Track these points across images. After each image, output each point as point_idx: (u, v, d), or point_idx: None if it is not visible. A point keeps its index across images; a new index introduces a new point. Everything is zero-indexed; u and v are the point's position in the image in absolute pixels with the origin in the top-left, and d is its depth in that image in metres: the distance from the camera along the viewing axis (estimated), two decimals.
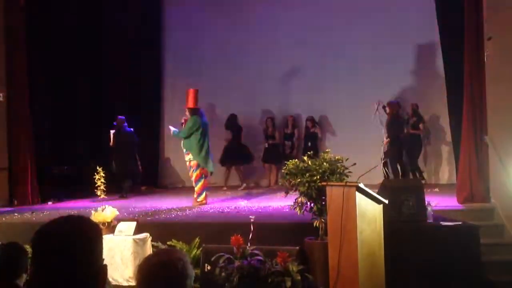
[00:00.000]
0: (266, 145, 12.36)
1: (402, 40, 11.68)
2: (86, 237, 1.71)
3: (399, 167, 10.48)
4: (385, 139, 10.47)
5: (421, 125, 10.95)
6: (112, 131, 10.69)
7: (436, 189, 10.01)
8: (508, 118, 7.49)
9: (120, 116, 10.83)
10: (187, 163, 9.16)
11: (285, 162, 6.72)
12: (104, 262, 1.80)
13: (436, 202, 7.68)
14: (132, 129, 10.85)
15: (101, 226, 6.80)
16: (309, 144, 11.79)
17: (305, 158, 6.43)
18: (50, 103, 11.06)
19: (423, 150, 11.26)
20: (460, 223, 6.43)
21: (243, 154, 12.24)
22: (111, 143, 10.71)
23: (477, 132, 8.12)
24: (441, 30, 10.38)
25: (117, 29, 12.26)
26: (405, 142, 10.80)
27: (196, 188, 9.01)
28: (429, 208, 6.36)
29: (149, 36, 13.11)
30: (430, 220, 6.31)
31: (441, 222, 6.37)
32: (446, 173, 11.38)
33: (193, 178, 9.08)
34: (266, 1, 12.79)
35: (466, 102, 8.24)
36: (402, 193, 6.29)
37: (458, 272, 5.79)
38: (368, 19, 11.98)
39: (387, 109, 10.59)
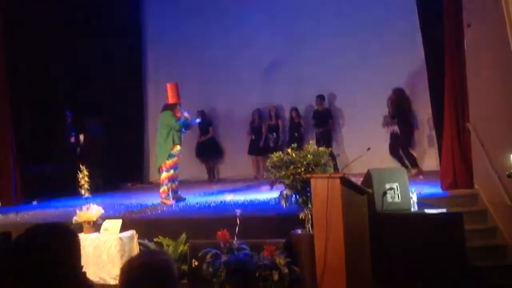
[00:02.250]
0: (253, 137, 12.37)
1: (383, 29, 11.72)
2: (61, 245, 1.70)
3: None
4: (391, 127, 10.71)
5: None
6: (81, 136, 10.92)
7: (420, 177, 10.09)
8: (489, 104, 7.56)
9: (87, 117, 11.08)
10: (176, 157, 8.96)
11: (270, 155, 6.73)
12: (85, 265, 1.79)
13: (420, 189, 7.74)
14: (100, 128, 11.36)
15: (86, 225, 6.80)
16: (296, 134, 11.84)
17: (289, 150, 6.43)
18: (31, 102, 10.92)
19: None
20: (444, 210, 6.49)
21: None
22: (80, 143, 11.19)
23: (459, 119, 8.17)
24: (422, 18, 10.42)
25: (97, 25, 12.10)
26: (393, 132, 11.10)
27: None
28: (413, 196, 6.40)
29: (130, 34, 13.00)
30: (414, 208, 6.36)
31: (426, 210, 6.42)
32: (429, 160, 11.45)
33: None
34: None
35: (448, 90, 8.29)
36: (386, 182, 6.33)
37: (443, 259, 5.85)
38: (349, 8, 12.01)
39: (392, 96, 10.84)
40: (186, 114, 8.93)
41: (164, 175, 8.69)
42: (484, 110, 7.72)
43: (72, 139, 11.16)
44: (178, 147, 8.68)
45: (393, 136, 11.10)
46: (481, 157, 7.72)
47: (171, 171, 8.69)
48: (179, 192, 9.03)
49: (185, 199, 8.96)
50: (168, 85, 8.94)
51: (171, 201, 8.65)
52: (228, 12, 12.81)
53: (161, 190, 8.72)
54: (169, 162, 8.65)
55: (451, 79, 8.24)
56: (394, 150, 10.96)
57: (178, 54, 13.08)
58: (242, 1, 12.80)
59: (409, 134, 10.72)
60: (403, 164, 10.54)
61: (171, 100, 8.83)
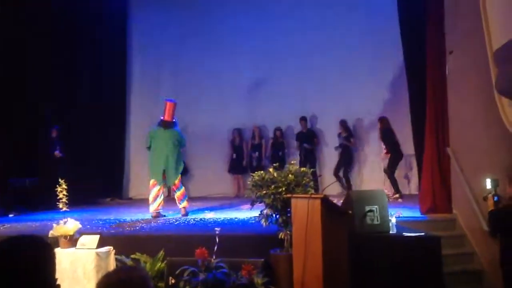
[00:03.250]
0: (234, 156, 12.37)
1: (367, 53, 11.88)
2: (36, 257, 1.68)
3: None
4: (384, 152, 11.05)
5: (352, 139, 11.75)
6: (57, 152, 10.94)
7: (400, 200, 10.16)
8: (469, 130, 7.66)
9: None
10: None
11: (251, 174, 6.73)
12: (60, 280, 1.76)
13: (399, 212, 7.78)
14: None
15: (63, 239, 6.69)
16: (280, 153, 11.89)
17: (271, 170, 6.44)
18: (10, 114, 10.78)
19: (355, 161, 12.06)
20: (422, 233, 6.52)
21: None
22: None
23: (439, 144, 8.28)
24: (405, 45, 10.57)
25: (82, 34, 12.04)
26: (342, 154, 11.71)
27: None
28: (392, 219, 6.42)
29: (115, 48, 12.95)
30: (393, 231, 6.37)
31: (404, 233, 6.44)
32: (409, 183, 11.55)
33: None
34: (233, 12, 12.84)
35: (429, 115, 8.40)
36: (366, 204, 6.34)
37: (421, 282, 5.86)
38: (334, 33, 12.15)
39: (379, 125, 11.10)
40: None
41: (182, 190, 9.11)
42: (464, 136, 7.82)
43: (57, 153, 11.03)
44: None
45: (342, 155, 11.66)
46: (460, 182, 7.80)
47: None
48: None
49: (164, 216, 8.95)
50: (169, 103, 9.18)
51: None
52: (212, 30, 12.86)
53: (184, 205, 9.09)
54: (180, 178, 9.17)
55: (433, 104, 8.36)
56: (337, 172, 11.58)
57: (161, 71, 13.10)
58: (225, 19, 12.85)
59: (397, 160, 10.87)
60: (343, 186, 11.26)
61: (169, 117, 9.09)
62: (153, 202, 8.91)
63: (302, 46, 12.34)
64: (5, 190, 10.11)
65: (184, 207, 9.08)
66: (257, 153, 12.22)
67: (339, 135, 11.80)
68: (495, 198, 5.56)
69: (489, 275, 6.86)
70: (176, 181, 9.02)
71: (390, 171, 10.72)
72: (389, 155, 10.91)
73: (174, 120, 9.14)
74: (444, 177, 8.26)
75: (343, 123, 11.75)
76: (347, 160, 11.73)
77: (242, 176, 12.31)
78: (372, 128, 11.94)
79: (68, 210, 10.01)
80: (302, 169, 6.50)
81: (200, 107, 12.80)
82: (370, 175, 11.87)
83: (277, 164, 6.81)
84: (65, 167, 10.87)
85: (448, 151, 8.14)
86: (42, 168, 10.93)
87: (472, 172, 7.51)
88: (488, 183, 5.77)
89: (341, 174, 11.61)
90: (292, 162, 6.76)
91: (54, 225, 6.89)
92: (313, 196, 5.62)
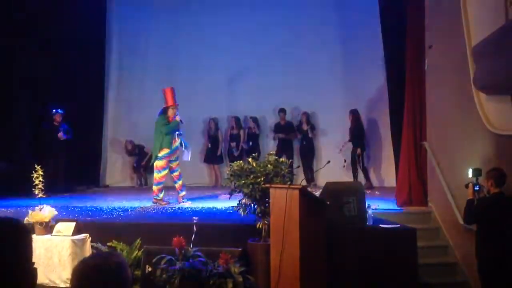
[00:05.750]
0: (209, 146, 12.32)
1: (346, 48, 11.91)
2: (11, 239, 1.65)
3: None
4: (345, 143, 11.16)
5: (314, 131, 11.83)
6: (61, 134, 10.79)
7: (377, 192, 10.24)
8: (446, 124, 7.74)
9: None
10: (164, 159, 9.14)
11: (230, 163, 6.72)
12: (35, 265, 1.73)
13: (376, 205, 7.88)
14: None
15: (38, 226, 6.63)
16: (251, 143, 11.88)
17: (250, 159, 6.44)
18: None
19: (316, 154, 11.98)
20: (398, 225, 6.60)
21: None
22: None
23: (416, 138, 8.38)
24: (385, 40, 10.65)
25: (59, 21, 11.85)
26: (303, 147, 11.74)
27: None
28: (369, 211, 6.49)
29: (94, 38, 12.75)
30: (370, 223, 6.45)
31: (380, 225, 6.52)
32: (386, 176, 11.65)
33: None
34: (211, 5, 12.72)
35: (407, 109, 8.49)
36: (343, 196, 6.40)
37: (396, 273, 5.94)
38: (314, 25, 12.14)
39: (351, 117, 11.13)
40: (178, 118, 9.21)
41: (155, 175, 9.05)
42: (441, 130, 7.91)
43: (60, 135, 10.84)
44: (165, 150, 8.99)
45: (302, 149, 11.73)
46: (436, 176, 7.89)
47: (162, 172, 9.02)
48: (181, 194, 9.28)
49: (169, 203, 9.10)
50: (164, 89, 9.27)
51: (163, 203, 8.94)
52: (191, 23, 12.75)
53: (153, 189, 9.11)
54: (160, 164, 9.01)
55: (411, 98, 8.44)
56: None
57: (139, 61, 12.97)
58: (204, 12, 12.75)
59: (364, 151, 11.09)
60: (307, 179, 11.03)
61: (165, 103, 9.18)
62: (162, 189, 9.04)
63: (281, 38, 12.29)
64: None
65: (152, 192, 9.11)
66: (234, 143, 12.17)
67: (298, 127, 11.85)
68: (476, 187, 5.65)
69: (463, 268, 6.97)
70: (154, 166, 9.09)
71: (363, 164, 10.84)
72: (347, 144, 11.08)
73: (168, 105, 9.18)
74: (420, 171, 8.36)
75: (306, 115, 11.77)
76: (311, 152, 11.80)
77: (218, 166, 12.26)
78: (339, 121, 11.97)
79: (44, 196, 9.87)
80: (281, 159, 6.51)
81: (178, 96, 12.68)
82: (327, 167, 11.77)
83: (256, 154, 6.82)
84: (42, 153, 10.71)
85: (425, 145, 8.24)
86: (19, 153, 10.76)
87: (448, 166, 7.60)
88: (470, 173, 5.87)
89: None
90: (271, 152, 6.77)
91: (30, 211, 6.83)
92: (291, 186, 5.64)
